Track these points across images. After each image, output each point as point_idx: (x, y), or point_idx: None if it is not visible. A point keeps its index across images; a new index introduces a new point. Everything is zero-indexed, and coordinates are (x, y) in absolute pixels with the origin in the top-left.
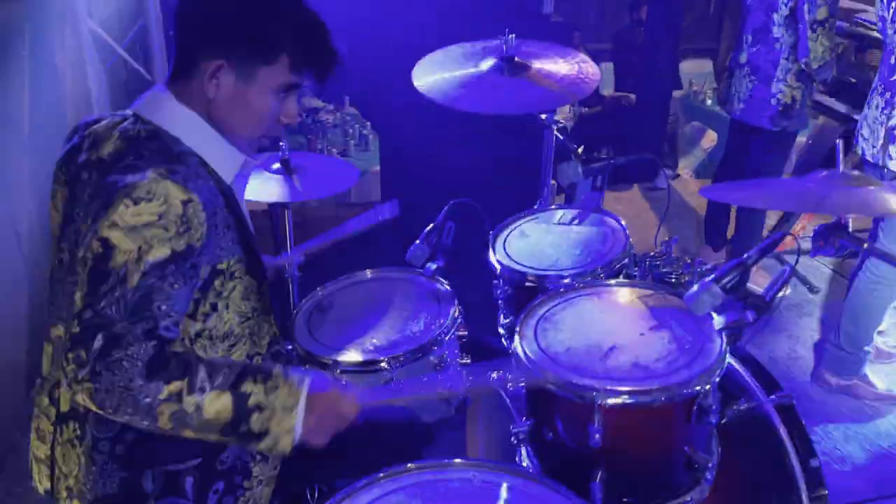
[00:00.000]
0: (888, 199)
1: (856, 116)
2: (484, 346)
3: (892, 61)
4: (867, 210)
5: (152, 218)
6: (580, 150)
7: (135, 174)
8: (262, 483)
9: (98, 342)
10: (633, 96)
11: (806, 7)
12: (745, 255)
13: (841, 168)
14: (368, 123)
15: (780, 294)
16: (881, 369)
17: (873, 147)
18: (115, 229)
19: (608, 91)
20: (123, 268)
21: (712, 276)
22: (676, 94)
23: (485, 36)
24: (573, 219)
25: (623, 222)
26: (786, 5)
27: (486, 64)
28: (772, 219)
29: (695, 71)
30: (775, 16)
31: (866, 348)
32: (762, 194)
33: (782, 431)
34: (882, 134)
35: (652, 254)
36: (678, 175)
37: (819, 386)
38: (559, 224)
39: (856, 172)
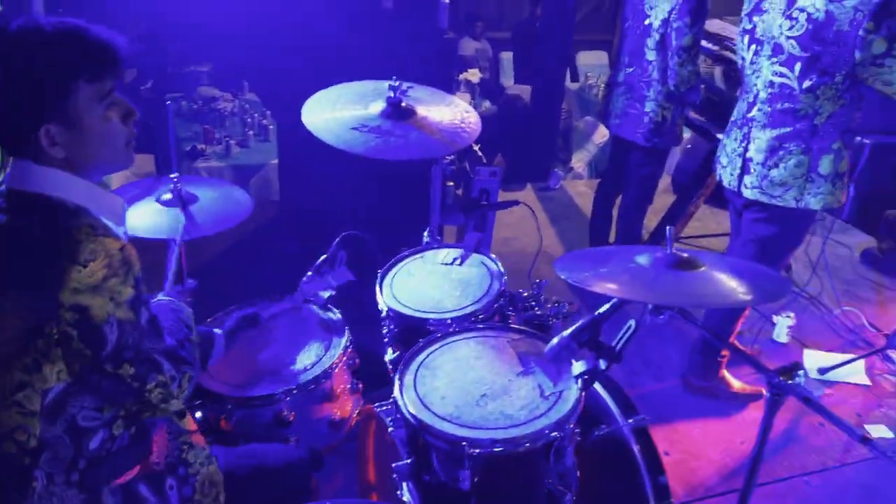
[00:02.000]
0: (711, 282)
1: (720, 136)
2: (376, 372)
3: (751, 99)
4: (692, 299)
5: (105, 272)
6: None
7: None
8: (204, 463)
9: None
10: (527, 89)
11: (673, 35)
12: (598, 313)
13: (670, 249)
14: (268, 112)
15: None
16: (736, 371)
17: (731, 175)
18: (79, 294)
19: (507, 81)
20: (110, 318)
21: (570, 330)
22: (573, 86)
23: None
24: (455, 259)
25: (500, 265)
26: (657, 32)
27: (375, 107)
28: (652, 221)
29: (591, 63)
30: (648, 41)
31: (724, 352)
32: (604, 274)
33: (636, 452)
34: (739, 164)
35: (525, 294)
36: (571, 168)
37: (685, 388)
38: (443, 264)
39: (685, 254)
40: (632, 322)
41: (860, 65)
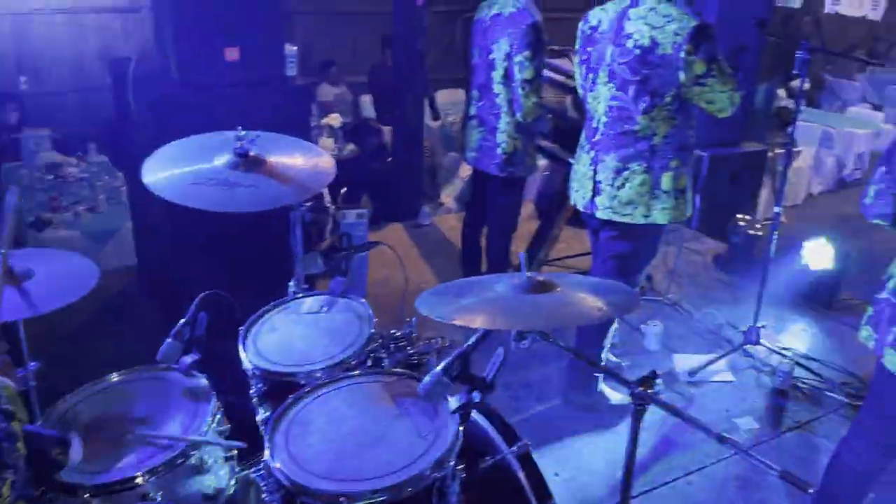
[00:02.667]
0: (567, 302)
1: (572, 161)
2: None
3: (595, 124)
4: (549, 321)
5: None
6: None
7: None
8: None
9: None
10: (388, 130)
11: (516, 68)
12: (466, 345)
13: (526, 274)
14: (120, 174)
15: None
16: (613, 383)
17: (584, 198)
18: None
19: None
20: None
21: (441, 366)
22: (434, 124)
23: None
24: (322, 306)
25: (368, 307)
26: (501, 66)
27: (222, 159)
28: (521, 247)
29: (450, 100)
30: (494, 74)
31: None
32: (465, 307)
33: (522, 478)
34: (590, 187)
35: (397, 334)
36: (441, 204)
37: (568, 405)
38: (309, 314)
39: (541, 277)
40: (500, 350)
41: (685, 85)
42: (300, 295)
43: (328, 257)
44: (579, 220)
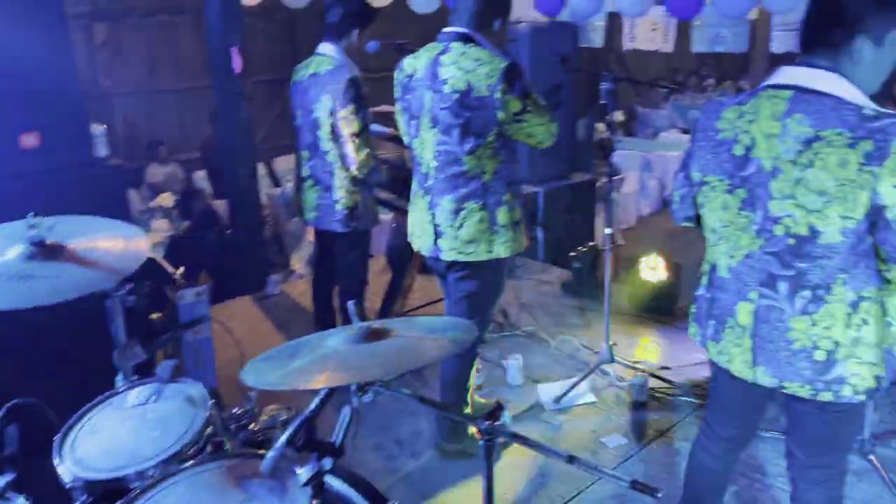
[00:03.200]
0: (404, 346)
1: (405, 206)
2: None
3: (423, 170)
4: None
5: None
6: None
7: None
8: None
9: None
10: (223, 204)
11: (342, 124)
12: (308, 410)
13: (358, 323)
14: None
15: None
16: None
17: (427, 243)
18: None
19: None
20: None
21: (284, 438)
22: (275, 191)
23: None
24: (149, 396)
25: (202, 389)
26: (327, 123)
27: (14, 252)
28: (376, 302)
29: (288, 167)
30: (320, 133)
31: (466, 410)
32: (297, 369)
33: None
34: (431, 231)
35: (238, 412)
36: (292, 271)
37: (442, 455)
38: (134, 406)
39: (377, 324)
40: (346, 409)
41: (505, 123)
42: (122, 388)
43: (150, 342)
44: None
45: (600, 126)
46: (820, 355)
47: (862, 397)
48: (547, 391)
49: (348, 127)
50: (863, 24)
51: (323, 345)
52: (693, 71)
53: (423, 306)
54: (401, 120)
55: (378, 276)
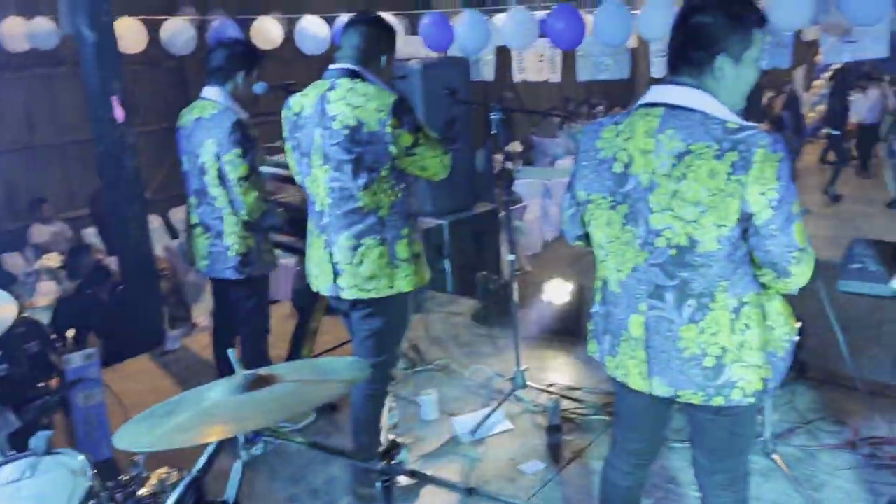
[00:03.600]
0: (291, 391)
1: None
2: None
3: (318, 208)
4: (274, 415)
5: None
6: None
7: None
8: None
9: None
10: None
11: (229, 168)
12: (195, 470)
13: (242, 372)
14: None
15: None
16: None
17: (326, 283)
18: None
19: (97, 257)
20: None
21: (170, 501)
22: (173, 242)
23: None
24: (24, 471)
25: (82, 458)
26: (213, 168)
27: None
28: (282, 350)
29: (182, 218)
30: (207, 178)
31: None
32: (176, 427)
33: None
34: (330, 270)
35: (124, 479)
36: (195, 325)
37: (357, 500)
38: (8, 484)
39: (261, 371)
40: (237, 464)
41: (397, 157)
42: None
43: (23, 410)
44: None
45: (499, 157)
46: (709, 362)
47: (751, 400)
48: (463, 423)
49: (235, 171)
50: (722, 45)
51: (204, 398)
52: (583, 100)
53: (333, 349)
54: (291, 158)
55: (284, 322)
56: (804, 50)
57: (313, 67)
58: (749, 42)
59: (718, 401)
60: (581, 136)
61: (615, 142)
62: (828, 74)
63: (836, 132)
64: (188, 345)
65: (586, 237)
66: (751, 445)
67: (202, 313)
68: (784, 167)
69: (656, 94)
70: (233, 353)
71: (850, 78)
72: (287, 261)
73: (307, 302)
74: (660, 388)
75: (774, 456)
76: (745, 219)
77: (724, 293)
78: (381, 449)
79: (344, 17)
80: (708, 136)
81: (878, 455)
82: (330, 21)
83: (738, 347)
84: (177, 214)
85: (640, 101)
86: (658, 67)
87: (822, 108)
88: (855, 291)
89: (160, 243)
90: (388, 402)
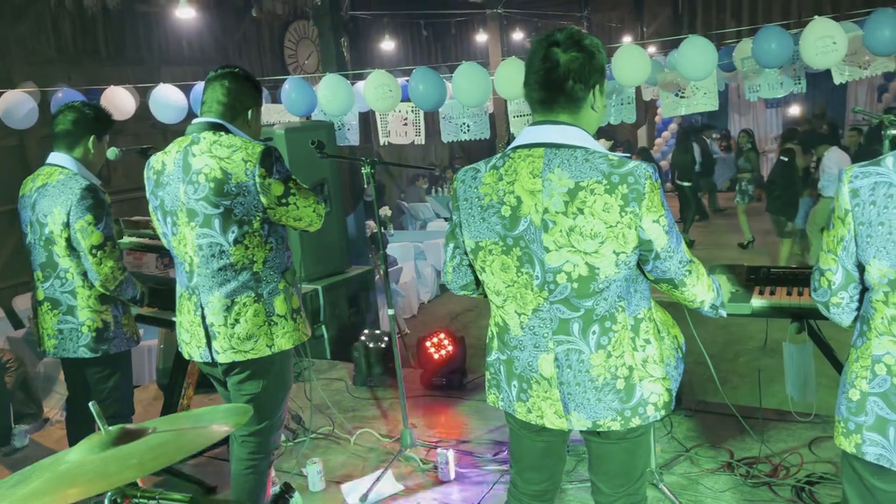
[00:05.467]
0: (162, 442)
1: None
2: None
3: (187, 268)
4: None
5: None
6: None
7: None
8: None
9: None
10: None
11: (80, 236)
12: None
13: (104, 430)
14: None
15: None
16: None
17: (199, 348)
18: None
19: None
20: None
21: None
22: (17, 334)
23: None
24: None
25: None
26: (62, 237)
27: None
28: None
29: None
30: (55, 248)
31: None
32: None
33: None
34: (202, 334)
35: None
36: (47, 419)
37: None
38: None
39: (129, 426)
40: None
41: (269, 207)
42: None
43: None
44: (207, 379)
45: (371, 223)
46: (620, 384)
47: (663, 412)
48: (352, 490)
49: (87, 239)
50: (596, 78)
51: (62, 462)
52: (447, 165)
53: None
54: (155, 219)
55: (150, 405)
56: (645, 110)
57: (168, 139)
58: (604, 75)
59: (635, 421)
60: (458, 185)
61: (498, 186)
62: (666, 133)
63: (688, 183)
64: (40, 440)
65: (476, 285)
66: (647, 468)
67: (54, 406)
68: (662, 192)
69: (533, 134)
70: (94, 405)
71: (691, 131)
72: (148, 342)
73: (174, 380)
74: (579, 423)
75: (662, 486)
76: (643, 244)
77: (623, 313)
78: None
79: (201, 85)
80: (595, 171)
81: (753, 474)
82: (186, 89)
83: (642, 364)
84: (22, 303)
85: (514, 144)
86: (516, 127)
87: (664, 162)
88: (720, 316)
89: (3, 334)
90: (271, 476)
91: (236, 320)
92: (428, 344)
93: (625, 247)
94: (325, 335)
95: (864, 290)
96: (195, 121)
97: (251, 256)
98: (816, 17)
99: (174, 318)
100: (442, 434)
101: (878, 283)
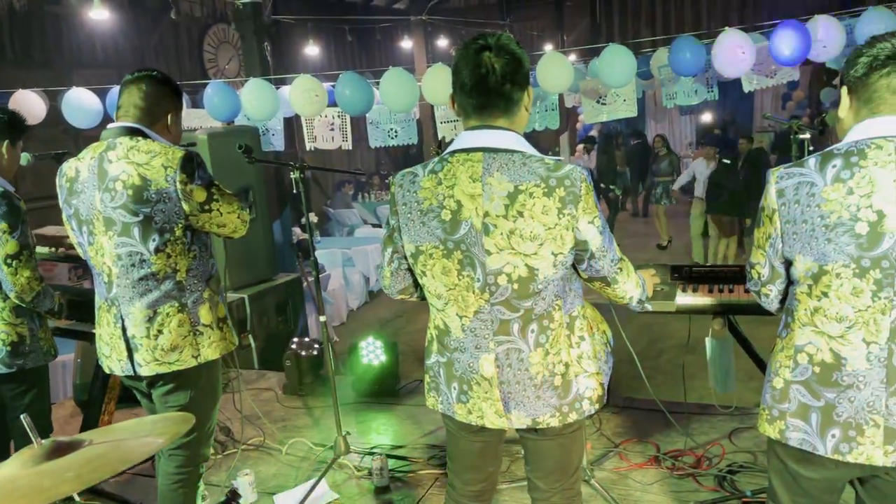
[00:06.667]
0: (103, 452)
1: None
2: None
3: (105, 279)
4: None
5: None
6: None
7: None
8: None
9: None
10: None
11: None
12: None
13: (37, 444)
14: None
15: None
16: None
17: (120, 361)
18: None
19: None
20: None
21: None
22: None
23: None
24: None
25: None
26: None
27: None
28: None
29: None
30: None
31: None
32: None
33: None
34: (124, 346)
35: None
36: None
37: None
38: None
39: (64, 438)
40: None
41: (192, 214)
42: None
43: None
44: (129, 393)
45: (297, 229)
46: (558, 381)
47: (597, 406)
48: (285, 500)
49: (1, 248)
50: (527, 80)
51: None
52: (374, 171)
53: None
54: (69, 229)
55: (66, 423)
56: (567, 116)
57: (81, 145)
58: (529, 78)
59: (573, 416)
60: (396, 190)
61: (438, 190)
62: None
63: (612, 187)
64: None
65: (414, 288)
66: (581, 462)
67: None
68: (595, 194)
69: (471, 139)
70: (25, 418)
71: (612, 137)
72: (64, 357)
73: (93, 395)
74: (519, 421)
75: (593, 482)
76: (579, 245)
77: (559, 311)
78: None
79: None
80: (533, 175)
81: (678, 466)
82: (100, 93)
83: (577, 360)
84: None
85: (452, 148)
86: (445, 132)
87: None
88: (646, 310)
89: None
90: (200, 491)
91: (159, 331)
92: (360, 350)
93: (562, 247)
94: (253, 344)
95: (790, 283)
96: (111, 125)
97: (174, 265)
98: (727, 28)
99: (93, 331)
100: (376, 440)
101: (802, 276)
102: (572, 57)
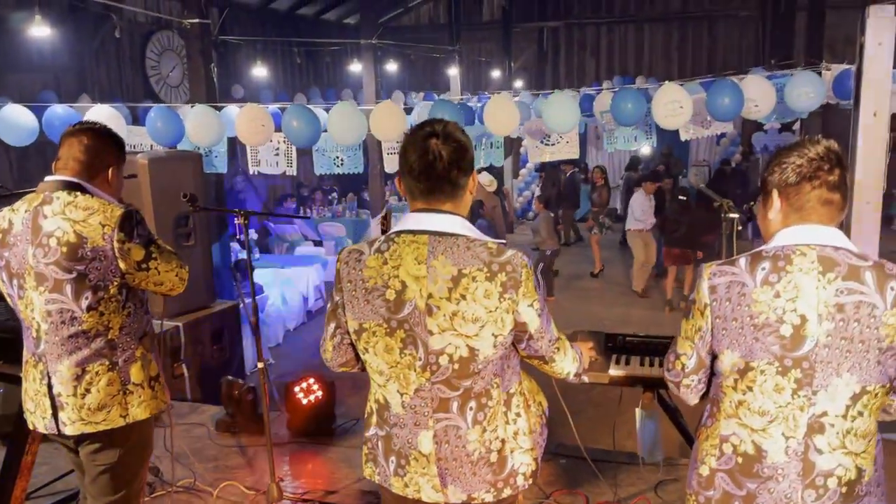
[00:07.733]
0: None
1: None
2: None
3: (33, 334)
4: None
5: None
6: None
7: None
8: None
9: None
10: None
11: None
12: None
13: None
14: None
15: None
16: None
17: (44, 419)
18: None
19: None
20: None
21: None
22: None
23: None
24: None
25: None
26: None
27: None
28: None
29: None
30: None
31: None
32: None
33: None
34: (48, 404)
35: None
36: None
37: None
38: None
39: None
40: None
41: (128, 273)
42: None
43: None
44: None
45: (235, 245)
46: (494, 457)
47: (531, 480)
48: None
49: None
50: (471, 165)
51: None
52: (317, 186)
53: (53, 481)
54: (1, 281)
55: None
56: (510, 142)
57: (14, 163)
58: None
59: (507, 492)
60: (342, 267)
61: (383, 269)
62: (530, 165)
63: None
64: None
65: (356, 361)
66: None
67: None
68: (535, 278)
69: (416, 221)
70: None
71: (556, 166)
72: None
73: (16, 429)
74: (455, 496)
75: None
76: (519, 327)
77: (497, 389)
78: None
79: (57, 108)
80: (476, 259)
81: None
82: (38, 111)
83: (513, 436)
84: None
85: (398, 228)
86: (390, 163)
87: (526, 193)
88: (582, 381)
89: None
90: None
91: (87, 390)
92: (296, 389)
93: (502, 329)
94: (186, 374)
95: (712, 374)
96: (48, 178)
97: (106, 323)
98: (667, 82)
99: (19, 374)
100: (309, 484)
101: (729, 370)
102: (518, 83)
